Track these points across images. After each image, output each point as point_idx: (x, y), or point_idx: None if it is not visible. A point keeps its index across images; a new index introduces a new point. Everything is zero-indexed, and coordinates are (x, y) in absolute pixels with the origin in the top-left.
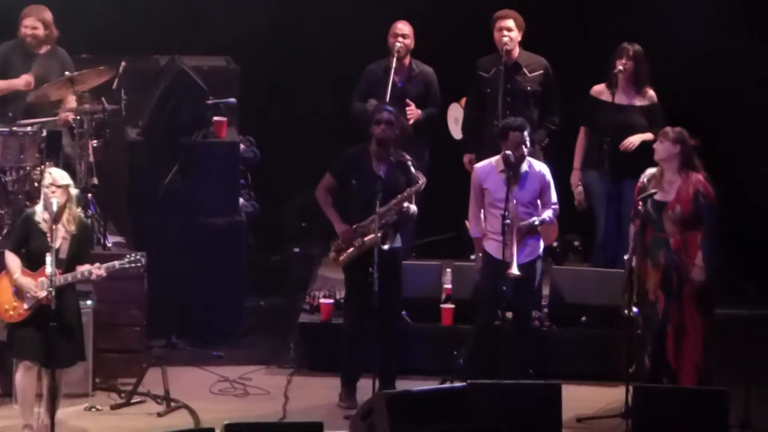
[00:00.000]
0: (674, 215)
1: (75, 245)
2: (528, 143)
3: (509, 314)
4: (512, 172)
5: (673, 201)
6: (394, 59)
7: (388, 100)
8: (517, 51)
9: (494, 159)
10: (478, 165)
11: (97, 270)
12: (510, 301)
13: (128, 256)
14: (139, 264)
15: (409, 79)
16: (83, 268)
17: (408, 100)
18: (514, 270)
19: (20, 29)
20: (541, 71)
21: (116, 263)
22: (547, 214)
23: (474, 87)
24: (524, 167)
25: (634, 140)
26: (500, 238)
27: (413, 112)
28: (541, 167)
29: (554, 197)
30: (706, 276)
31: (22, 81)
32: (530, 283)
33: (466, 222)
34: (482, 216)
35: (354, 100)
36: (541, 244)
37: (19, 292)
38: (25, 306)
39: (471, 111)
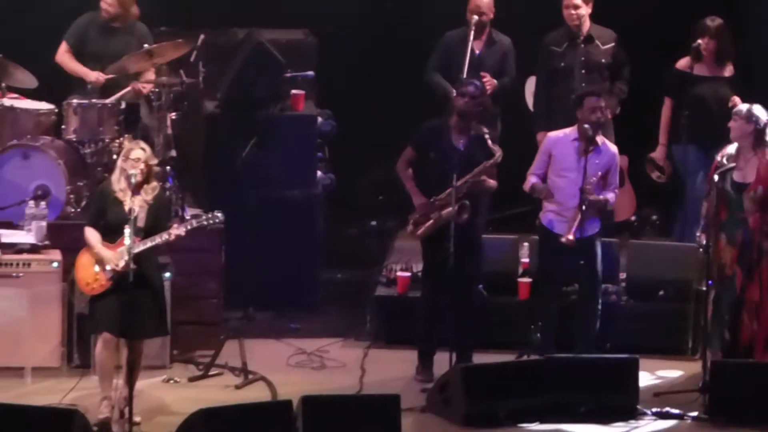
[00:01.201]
0: (756, 196)
1: (152, 214)
2: (604, 111)
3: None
4: (587, 143)
5: (754, 182)
6: (472, 32)
7: (466, 68)
8: (587, 24)
9: (569, 129)
10: (551, 133)
11: (176, 229)
12: (573, 275)
13: (205, 214)
14: (217, 220)
15: (488, 49)
16: (170, 230)
17: (483, 72)
18: (571, 236)
19: (100, 3)
20: (613, 43)
21: (194, 221)
22: (610, 196)
23: (544, 63)
24: (598, 141)
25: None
26: (559, 210)
27: (490, 82)
28: (613, 147)
29: (617, 180)
30: None
31: (93, 75)
32: (593, 258)
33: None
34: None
35: (429, 69)
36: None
37: (100, 265)
38: (107, 277)
39: (542, 88)
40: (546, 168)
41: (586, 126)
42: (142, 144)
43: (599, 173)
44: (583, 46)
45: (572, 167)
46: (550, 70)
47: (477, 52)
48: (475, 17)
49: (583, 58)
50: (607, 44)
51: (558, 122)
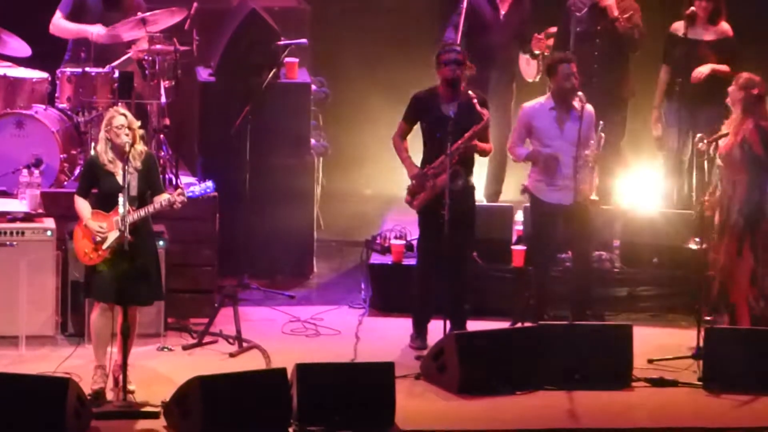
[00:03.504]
0: (722, 158)
1: (143, 179)
2: (576, 76)
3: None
4: (563, 109)
5: (725, 145)
6: None
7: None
8: None
9: (543, 97)
10: (527, 104)
11: (180, 196)
12: (567, 242)
13: (199, 184)
14: (209, 190)
15: (514, 8)
16: (161, 198)
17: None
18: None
19: None
20: (632, 12)
21: (184, 195)
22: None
23: (562, 24)
24: (576, 105)
25: (703, 70)
26: (548, 180)
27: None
28: (588, 107)
29: (593, 135)
30: (742, 218)
31: (95, 30)
32: (586, 223)
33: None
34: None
35: (447, 31)
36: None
37: (92, 236)
38: (104, 246)
39: (557, 49)
40: (526, 138)
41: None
42: (122, 110)
43: (583, 136)
44: (601, 14)
45: (555, 135)
46: (565, 32)
47: (502, 12)
48: None
49: (598, 27)
50: (627, 12)
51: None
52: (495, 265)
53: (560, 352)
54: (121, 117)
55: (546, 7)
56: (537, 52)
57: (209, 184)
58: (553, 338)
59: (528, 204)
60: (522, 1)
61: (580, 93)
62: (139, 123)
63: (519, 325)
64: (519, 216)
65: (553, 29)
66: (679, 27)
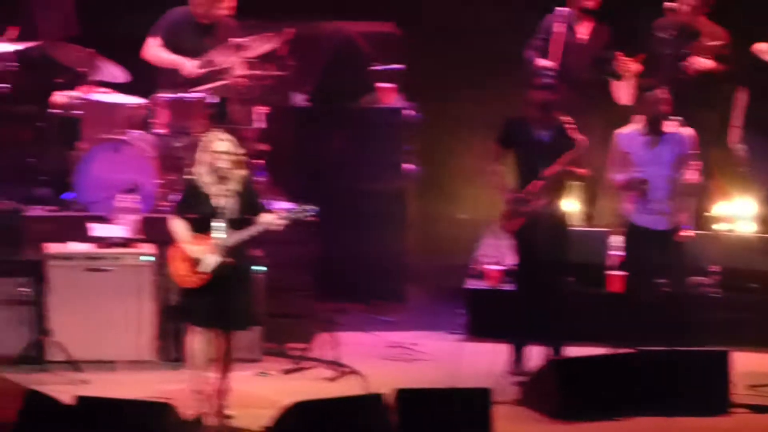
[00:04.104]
0: None
1: (241, 203)
2: (667, 101)
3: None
4: (654, 134)
5: None
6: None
7: (563, 50)
8: (697, 18)
9: (636, 123)
10: (619, 131)
11: (278, 219)
12: (660, 267)
13: (299, 207)
14: (310, 213)
15: (593, 33)
16: (262, 220)
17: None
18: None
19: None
20: (722, 42)
21: (287, 215)
22: (693, 176)
23: (649, 49)
24: (666, 130)
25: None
26: (643, 204)
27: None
28: (683, 131)
29: (694, 161)
30: None
31: (188, 66)
32: (681, 249)
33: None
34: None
35: (529, 54)
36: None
37: (192, 258)
38: (204, 270)
39: (647, 73)
40: (623, 164)
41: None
42: (223, 135)
43: (677, 160)
44: (687, 38)
45: (647, 160)
46: (652, 55)
47: (578, 36)
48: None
49: (684, 50)
50: (715, 41)
51: None
52: (591, 289)
53: (658, 378)
54: (222, 142)
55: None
56: (620, 73)
57: (309, 206)
58: (651, 364)
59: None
60: (601, 24)
61: (676, 117)
62: (242, 150)
63: (616, 350)
64: (614, 241)
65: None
66: (762, 49)
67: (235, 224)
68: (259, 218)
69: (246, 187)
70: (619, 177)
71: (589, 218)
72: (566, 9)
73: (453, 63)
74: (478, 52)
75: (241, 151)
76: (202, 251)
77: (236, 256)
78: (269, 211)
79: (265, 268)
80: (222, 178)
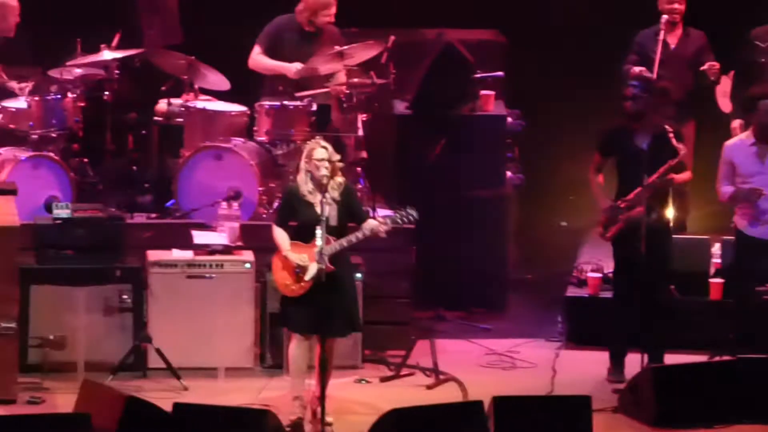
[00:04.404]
0: None
1: (342, 210)
2: None
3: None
4: (764, 144)
5: None
6: (665, 24)
7: (658, 63)
8: None
9: (744, 134)
10: (728, 142)
11: (381, 225)
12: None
13: (400, 211)
14: (412, 217)
15: (682, 42)
16: (366, 226)
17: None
18: None
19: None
20: None
21: (389, 220)
22: None
23: (745, 57)
24: None
25: None
26: (754, 213)
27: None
28: None
29: None
30: None
31: (293, 67)
32: None
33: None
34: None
35: (625, 68)
36: None
37: (294, 266)
38: (307, 278)
39: (738, 80)
40: (732, 176)
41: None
42: (323, 142)
43: None
44: None
45: (756, 170)
46: (750, 64)
47: (672, 46)
48: (665, 16)
49: None
50: None
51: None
52: (692, 297)
53: (759, 387)
54: (321, 150)
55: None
56: (713, 78)
57: (412, 211)
58: (752, 372)
59: (726, 237)
60: (690, 33)
61: None
62: (339, 157)
63: (717, 358)
64: (716, 249)
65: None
66: None
67: (335, 232)
68: (362, 225)
69: (347, 195)
70: (727, 188)
71: (684, 226)
72: (663, 18)
73: (555, 71)
74: (581, 60)
75: (338, 157)
76: (304, 259)
77: (337, 263)
78: (371, 217)
79: (363, 276)
80: (322, 186)
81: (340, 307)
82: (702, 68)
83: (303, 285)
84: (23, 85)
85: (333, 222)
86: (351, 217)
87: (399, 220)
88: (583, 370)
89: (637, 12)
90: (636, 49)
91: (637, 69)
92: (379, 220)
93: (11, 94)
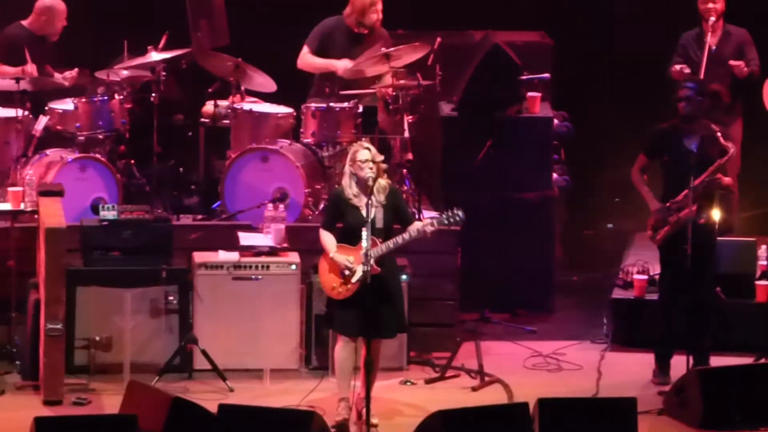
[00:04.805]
0: None
1: (388, 213)
2: None
3: None
4: None
5: None
6: (707, 24)
7: (704, 65)
8: None
9: None
10: None
11: (427, 227)
12: None
13: (446, 212)
14: (458, 218)
15: (722, 42)
16: (412, 228)
17: (732, 62)
18: None
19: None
20: None
21: (435, 221)
22: None
23: None
24: None
25: None
26: None
27: (738, 66)
28: None
29: None
30: None
31: (341, 66)
32: None
33: None
34: None
35: (669, 70)
36: None
37: (340, 269)
38: (353, 280)
39: None
40: None
41: None
42: (367, 144)
43: None
44: None
45: None
46: None
47: (712, 47)
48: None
49: None
50: None
51: None
52: (738, 299)
53: None
54: (365, 151)
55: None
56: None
57: (459, 212)
58: None
59: None
60: (731, 32)
61: None
62: (382, 157)
63: (763, 360)
64: (762, 251)
65: None
66: None
67: (381, 234)
68: (408, 227)
69: (393, 197)
70: None
71: (731, 228)
72: (710, 18)
73: (602, 72)
74: (627, 61)
75: (382, 158)
76: (350, 262)
77: (383, 265)
78: (417, 219)
79: (408, 278)
80: (368, 188)
81: (386, 308)
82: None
83: (349, 287)
84: (67, 74)
85: (379, 224)
86: (397, 219)
87: (446, 221)
88: (628, 372)
89: (683, 13)
90: (680, 51)
91: (677, 67)
92: (425, 221)
93: (59, 94)
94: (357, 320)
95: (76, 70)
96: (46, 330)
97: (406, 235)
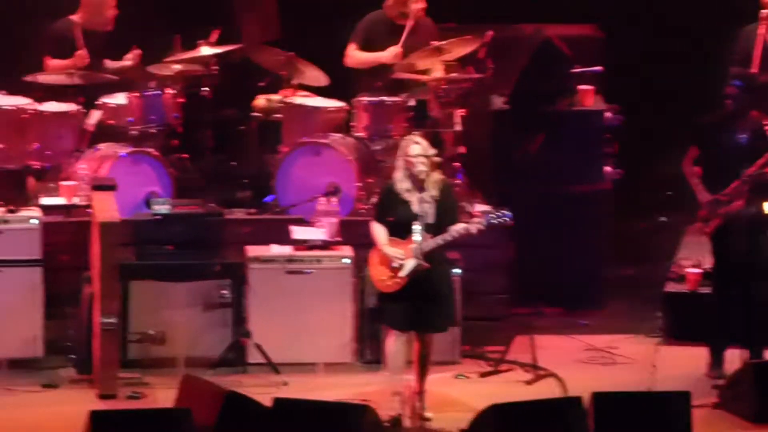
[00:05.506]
0: None
1: (441, 209)
2: None
3: None
4: None
5: None
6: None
7: (757, 58)
8: None
9: None
10: None
11: (477, 224)
12: None
13: (494, 212)
14: (506, 219)
15: None
16: (457, 227)
17: None
18: None
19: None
20: None
21: (482, 221)
22: None
23: None
24: None
25: None
26: None
27: None
28: None
29: None
30: None
31: (390, 54)
32: None
33: None
34: None
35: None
36: None
37: (390, 263)
38: (402, 274)
39: None
40: None
41: None
42: (418, 138)
43: None
44: None
45: None
46: None
47: (767, 40)
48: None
49: None
50: None
51: None
52: None
53: None
54: (416, 146)
55: None
56: None
57: (506, 212)
58: None
59: None
60: None
61: None
62: (435, 151)
63: None
64: None
65: None
66: None
67: (432, 230)
68: (454, 226)
69: (445, 193)
70: None
71: None
72: (762, 13)
73: (652, 65)
74: (679, 54)
75: (434, 152)
76: (400, 255)
77: (433, 259)
78: (468, 215)
79: (461, 271)
80: (419, 182)
81: (436, 302)
82: None
83: (398, 281)
84: (128, 56)
85: (430, 220)
86: (446, 216)
87: (493, 221)
88: (682, 365)
89: (740, 4)
90: (738, 45)
91: (736, 68)
92: (472, 221)
93: (111, 88)
94: (407, 314)
95: (138, 51)
96: (100, 324)
97: (453, 233)
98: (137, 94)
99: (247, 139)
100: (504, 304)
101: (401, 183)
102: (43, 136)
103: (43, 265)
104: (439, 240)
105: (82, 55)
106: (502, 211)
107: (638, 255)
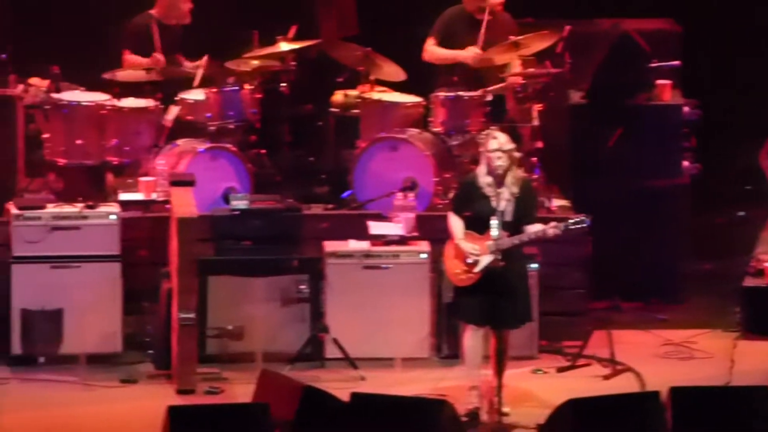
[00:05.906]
0: None
1: (520, 206)
2: None
3: None
4: None
5: None
6: None
7: None
8: None
9: None
10: None
11: (554, 229)
12: None
13: (575, 218)
14: (584, 224)
15: None
16: (534, 228)
17: None
18: None
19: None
20: None
21: (560, 227)
22: None
23: None
24: None
25: None
26: None
27: None
28: None
29: None
30: None
31: (469, 54)
32: None
33: None
34: None
35: None
36: None
37: (465, 256)
38: (476, 269)
39: None
40: None
41: None
42: (495, 133)
43: None
44: None
45: None
46: None
47: None
48: None
49: None
50: None
51: None
52: None
53: None
54: (493, 141)
55: None
56: None
57: (585, 217)
58: None
59: None
60: None
61: None
62: (514, 146)
63: None
64: None
65: None
66: None
67: (510, 227)
68: (533, 226)
69: (525, 191)
70: None
71: None
72: None
73: (732, 59)
74: (757, 48)
75: (512, 146)
76: (476, 250)
77: (509, 256)
78: (545, 210)
79: (538, 266)
80: (500, 178)
81: (511, 299)
82: None
83: (471, 276)
84: (197, 63)
85: (508, 217)
86: (524, 215)
87: (571, 227)
88: (761, 360)
89: None
90: None
91: None
92: (550, 224)
93: (188, 84)
94: (481, 309)
95: (206, 57)
96: (178, 319)
97: (531, 235)
98: (215, 90)
99: (325, 134)
100: (581, 299)
101: (483, 177)
102: (122, 132)
103: (122, 261)
104: (516, 240)
105: (158, 57)
106: (581, 217)
107: (716, 250)
